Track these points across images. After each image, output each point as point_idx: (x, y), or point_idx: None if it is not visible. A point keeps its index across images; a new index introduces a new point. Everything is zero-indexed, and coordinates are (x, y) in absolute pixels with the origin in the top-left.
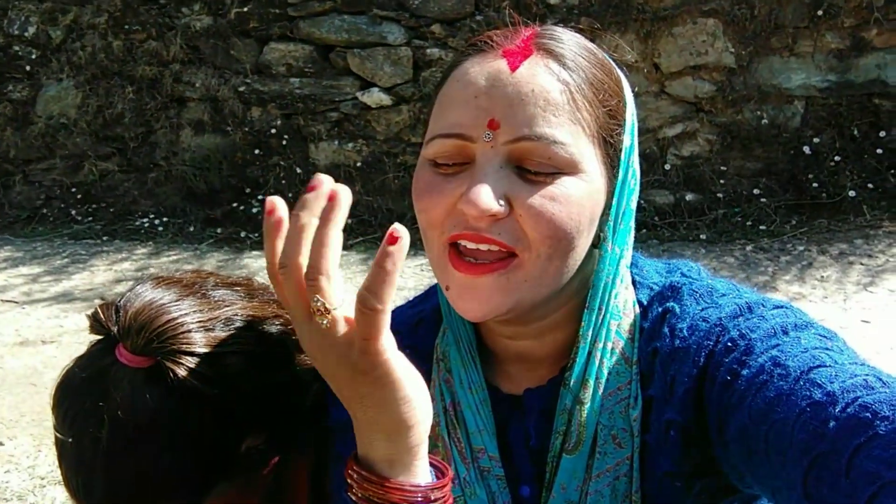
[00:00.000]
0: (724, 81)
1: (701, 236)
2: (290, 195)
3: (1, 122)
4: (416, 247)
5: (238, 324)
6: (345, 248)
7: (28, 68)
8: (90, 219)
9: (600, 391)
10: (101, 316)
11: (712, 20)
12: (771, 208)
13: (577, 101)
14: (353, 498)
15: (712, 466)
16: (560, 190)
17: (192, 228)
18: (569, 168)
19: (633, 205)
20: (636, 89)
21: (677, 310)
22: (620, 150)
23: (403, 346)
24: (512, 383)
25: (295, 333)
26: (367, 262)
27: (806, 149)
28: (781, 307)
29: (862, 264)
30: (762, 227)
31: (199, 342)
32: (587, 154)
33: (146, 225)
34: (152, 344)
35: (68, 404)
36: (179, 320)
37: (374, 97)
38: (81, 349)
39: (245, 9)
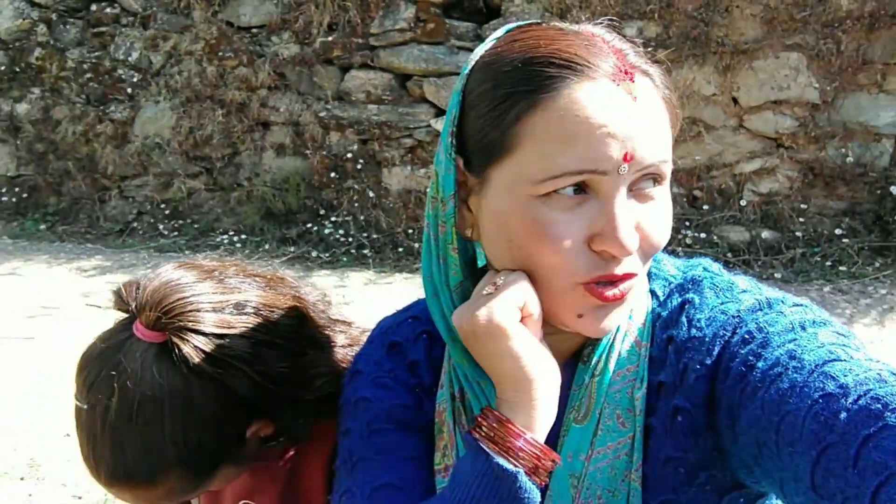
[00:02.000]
0: (806, 117)
1: (776, 275)
2: (361, 218)
3: (102, 140)
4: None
5: (248, 310)
6: (410, 271)
7: (129, 91)
8: (176, 234)
9: (611, 367)
10: (123, 292)
11: (796, 54)
12: (853, 249)
13: (671, 117)
14: (476, 436)
15: (719, 460)
16: (662, 203)
17: (267, 246)
18: (663, 179)
19: None
20: (715, 122)
21: (697, 301)
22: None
23: (410, 358)
24: None
25: (307, 328)
26: None
27: (894, 189)
28: (800, 305)
29: None
30: (842, 268)
31: (207, 322)
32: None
33: (225, 241)
34: (163, 320)
35: (86, 373)
36: (191, 300)
37: None
38: None
39: (330, 38)
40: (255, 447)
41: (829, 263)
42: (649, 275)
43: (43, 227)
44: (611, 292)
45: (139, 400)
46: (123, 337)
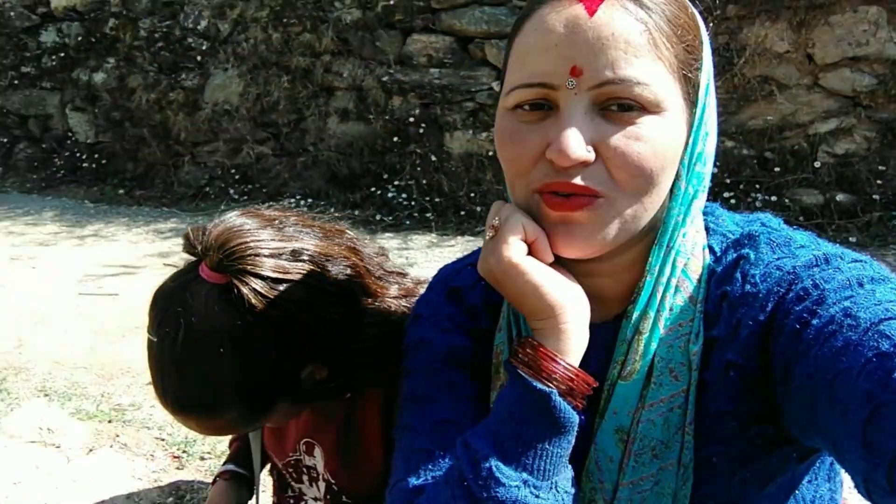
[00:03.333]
0: (886, 74)
1: (851, 239)
2: (423, 182)
3: (174, 108)
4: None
5: (304, 257)
6: (472, 234)
7: (199, 58)
8: (246, 198)
9: (661, 325)
10: (191, 236)
11: (875, 8)
12: None
13: (657, 39)
14: (514, 363)
15: (771, 415)
16: (644, 129)
17: (333, 210)
18: (652, 107)
19: (711, 147)
20: (787, 81)
21: (752, 256)
22: (698, 86)
23: (469, 303)
24: None
25: (361, 277)
26: None
27: None
28: (860, 260)
29: None
30: None
31: (266, 266)
32: (669, 92)
33: (293, 205)
34: (225, 262)
35: (157, 308)
36: (251, 244)
37: None
38: None
39: (391, 2)
40: (310, 388)
41: None
42: (707, 230)
43: (121, 191)
44: (559, 200)
45: (202, 335)
46: (190, 277)
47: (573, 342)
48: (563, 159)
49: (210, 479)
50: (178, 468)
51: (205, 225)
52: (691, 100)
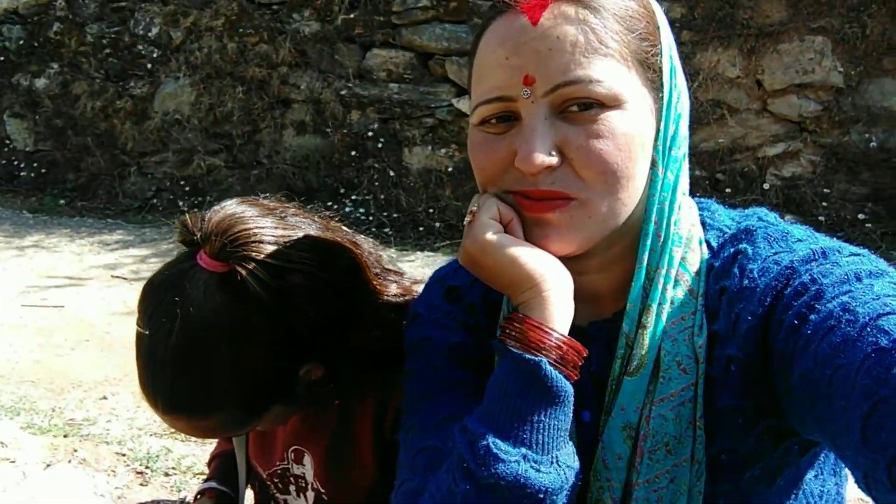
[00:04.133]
0: (830, 101)
1: None
2: (381, 197)
3: (121, 116)
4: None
5: (307, 247)
6: (431, 250)
7: (149, 66)
8: (196, 210)
9: (664, 317)
10: (189, 223)
11: (821, 38)
12: (877, 234)
13: (602, 35)
14: (502, 339)
15: (775, 408)
16: (605, 126)
17: None
18: (610, 102)
19: (684, 129)
20: (738, 105)
21: (749, 251)
22: (661, 71)
23: (467, 301)
24: (577, 318)
25: (362, 273)
26: None
27: None
28: (857, 254)
29: None
30: None
31: (269, 254)
32: (626, 84)
33: None
34: (227, 248)
35: (150, 300)
36: (254, 231)
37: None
38: None
39: (351, 15)
40: (306, 389)
41: None
42: (703, 225)
43: (62, 202)
44: (531, 202)
45: (200, 327)
46: (187, 266)
47: (558, 310)
48: (527, 166)
49: (175, 496)
50: (141, 484)
51: (202, 213)
52: (655, 86)
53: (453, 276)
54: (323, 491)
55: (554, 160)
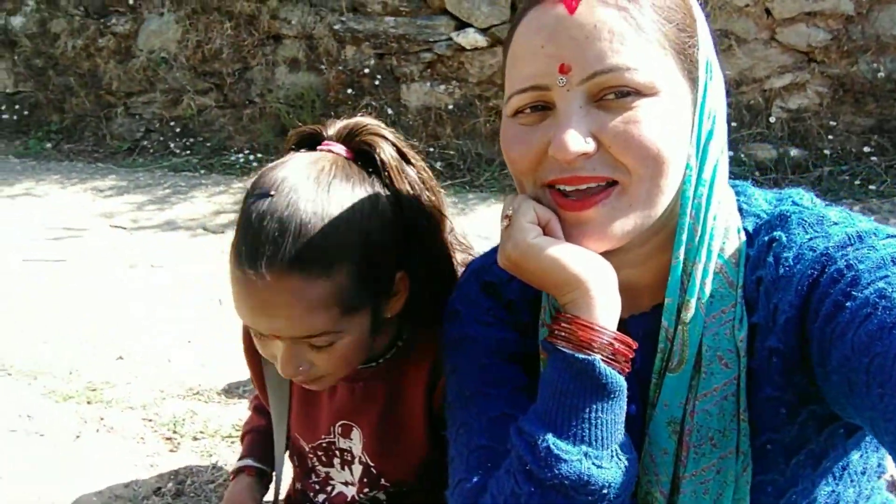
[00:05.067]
0: (840, 30)
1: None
2: None
3: (104, 55)
4: (506, 193)
5: (415, 163)
6: None
7: (131, 2)
8: (188, 152)
9: (703, 312)
10: (307, 131)
11: None
12: (882, 167)
13: (641, 23)
14: (551, 340)
15: (817, 395)
16: (643, 112)
17: None
18: (647, 90)
19: (722, 123)
20: (746, 35)
21: (784, 238)
22: (697, 63)
23: (506, 298)
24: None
25: (443, 220)
26: (457, 206)
27: None
28: (894, 236)
29: None
30: (871, 187)
31: (392, 142)
32: (662, 72)
33: (241, 160)
34: (354, 133)
35: (275, 169)
36: (380, 131)
37: (470, 38)
38: (189, 272)
39: None
40: (391, 305)
41: (857, 182)
42: (740, 211)
43: (48, 145)
44: (569, 195)
45: (336, 179)
46: (311, 153)
47: (606, 308)
48: (563, 154)
49: (206, 461)
50: (171, 450)
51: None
52: (692, 76)
53: (488, 272)
54: (372, 464)
55: (590, 147)
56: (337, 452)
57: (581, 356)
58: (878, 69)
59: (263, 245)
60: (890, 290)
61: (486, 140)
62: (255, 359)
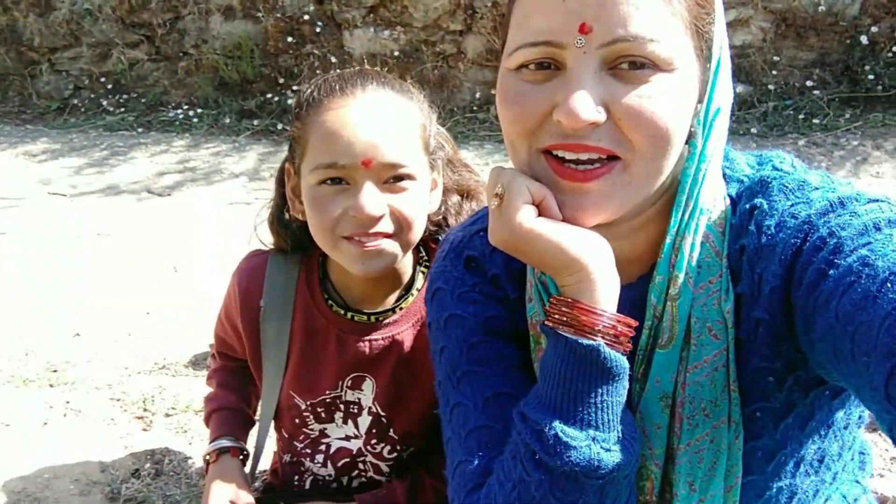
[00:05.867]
0: None
1: (752, 130)
2: None
3: (23, 8)
4: (458, 140)
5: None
6: None
7: None
8: (122, 110)
9: (691, 285)
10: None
11: None
12: (824, 101)
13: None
14: (551, 324)
15: (803, 361)
16: (657, 88)
17: (227, 120)
18: (664, 65)
19: (728, 101)
20: None
21: (765, 206)
22: (711, 41)
23: (490, 272)
24: None
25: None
26: None
27: (863, 38)
28: (876, 201)
29: None
30: (815, 121)
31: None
32: (681, 48)
33: (181, 116)
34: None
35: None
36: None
37: None
38: (138, 239)
39: None
40: (433, 196)
41: (801, 116)
42: (725, 177)
43: None
44: (567, 163)
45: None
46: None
47: (607, 290)
48: (572, 120)
49: (181, 438)
50: (144, 429)
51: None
52: (703, 56)
53: (468, 245)
54: (383, 414)
55: (601, 117)
56: (341, 406)
57: (585, 342)
58: (818, 3)
59: (365, 74)
60: (873, 257)
61: (435, 86)
62: (250, 326)
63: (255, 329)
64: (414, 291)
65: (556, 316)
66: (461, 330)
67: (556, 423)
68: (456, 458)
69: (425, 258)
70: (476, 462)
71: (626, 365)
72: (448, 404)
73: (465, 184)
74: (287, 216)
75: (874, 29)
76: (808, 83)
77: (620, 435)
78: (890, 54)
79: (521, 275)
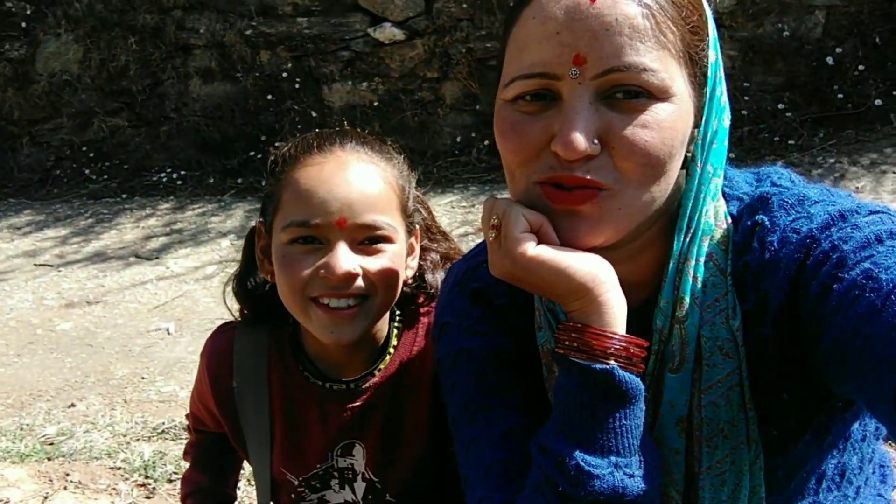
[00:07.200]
0: None
1: (730, 155)
2: None
3: (1, 83)
4: (442, 185)
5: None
6: None
7: (23, 25)
8: (105, 177)
9: (697, 306)
10: None
11: None
12: (797, 122)
13: (661, 22)
14: (562, 351)
15: (814, 375)
16: (652, 117)
17: (211, 180)
18: (659, 93)
19: (726, 123)
20: None
21: (767, 222)
22: (706, 67)
23: (497, 303)
24: None
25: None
26: None
27: (829, 59)
28: (878, 212)
29: (895, 172)
30: (790, 142)
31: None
32: (675, 76)
33: (164, 180)
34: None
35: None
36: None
37: (387, 32)
38: (129, 304)
39: None
40: (410, 257)
41: (776, 139)
42: (725, 196)
43: None
44: (562, 194)
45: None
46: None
47: (615, 311)
48: (569, 153)
49: None
50: (147, 497)
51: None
52: (698, 82)
53: (474, 277)
54: (376, 479)
55: (597, 150)
56: (335, 474)
57: (598, 366)
58: (783, 29)
59: (344, 133)
60: (876, 270)
61: (415, 133)
62: (225, 407)
63: (232, 409)
64: (390, 350)
65: (567, 342)
66: (471, 364)
67: (577, 453)
68: (476, 496)
69: (399, 315)
70: (497, 498)
71: (642, 386)
72: (464, 441)
73: (444, 252)
74: (253, 282)
75: (839, 50)
76: (780, 106)
77: (643, 459)
78: (856, 73)
79: (529, 303)
